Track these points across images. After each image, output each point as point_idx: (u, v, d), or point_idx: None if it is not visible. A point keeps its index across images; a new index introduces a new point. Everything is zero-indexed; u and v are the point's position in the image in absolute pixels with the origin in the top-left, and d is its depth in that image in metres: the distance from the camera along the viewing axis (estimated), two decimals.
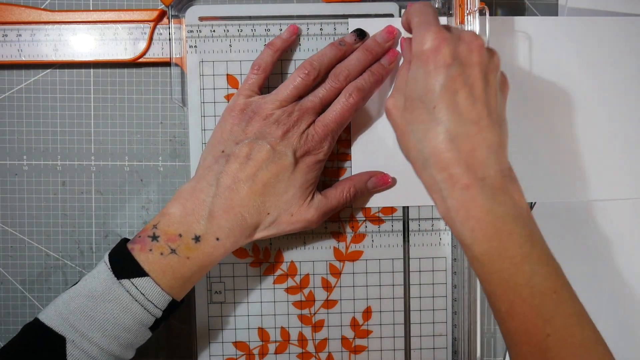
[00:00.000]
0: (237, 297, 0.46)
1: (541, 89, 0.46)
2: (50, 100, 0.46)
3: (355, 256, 0.46)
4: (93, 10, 0.46)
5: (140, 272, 0.37)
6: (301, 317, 0.47)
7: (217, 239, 0.39)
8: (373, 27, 0.44)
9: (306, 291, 0.46)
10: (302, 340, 0.47)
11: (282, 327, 0.46)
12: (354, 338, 0.47)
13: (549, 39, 0.45)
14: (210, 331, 0.46)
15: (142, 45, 0.45)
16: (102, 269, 0.38)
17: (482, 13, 0.41)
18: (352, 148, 0.45)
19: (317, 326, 0.47)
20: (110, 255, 0.38)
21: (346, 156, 0.46)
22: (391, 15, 0.45)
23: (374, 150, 0.45)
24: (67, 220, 0.47)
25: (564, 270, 0.36)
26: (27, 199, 0.47)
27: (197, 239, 0.38)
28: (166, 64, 0.46)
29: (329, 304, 0.47)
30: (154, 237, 0.38)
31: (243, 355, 0.46)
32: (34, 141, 0.47)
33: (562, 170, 0.46)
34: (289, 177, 0.40)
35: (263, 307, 0.46)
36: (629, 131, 0.46)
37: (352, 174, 0.45)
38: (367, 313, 0.47)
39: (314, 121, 0.41)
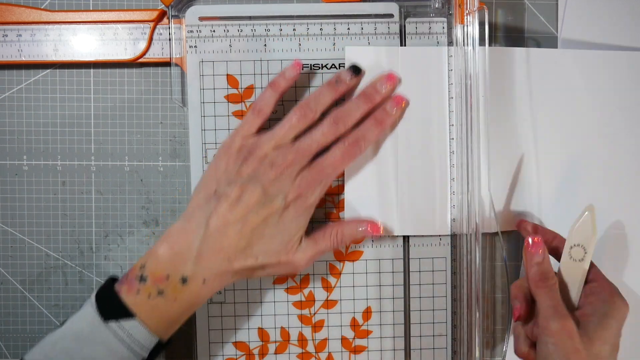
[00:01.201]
0: (237, 297, 0.46)
1: (539, 119, 0.46)
2: (50, 100, 0.46)
3: (355, 256, 0.46)
4: (93, 10, 0.46)
5: (127, 314, 0.37)
6: (301, 317, 0.47)
7: (204, 280, 0.39)
8: (368, 55, 0.44)
9: (306, 291, 0.46)
10: (302, 340, 0.47)
11: (282, 327, 0.46)
12: (354, 338, 0.47)
13: (548, 71, 0.45)
14: (210, 331, 0.46)
15: (142, 45, 0.45)
16: (89, 310, 0.37)
17: (481, 13, 0.41)
18: (345, 182, 0.45)
19: (317, 326, 0.47)
20: (97, 296, 0.38)
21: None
22: (391, 16, 0.45)
23: (367, 182, 0.45)
24: (67, 220, 0.47)
25: None
26: (27, 199, 0.47)
27: (184, 280, 0.38)
28: (166, 64, 0.46)
29: (329, 304, 0.47)
30: (142, 278, 0.38)
31: (243, 355, 0.46)
32: (34, 141, 0.47)
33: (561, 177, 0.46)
34: (277, 222, 0.40)
35: (263, 307, 0.46)
36: (627, 161, 0.46)
37: (345, 199, 0.45)
38: (367, 313, 0.47)
39: (308, 164, 0.41)
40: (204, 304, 0.40)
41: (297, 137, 0.41)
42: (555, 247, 0.43)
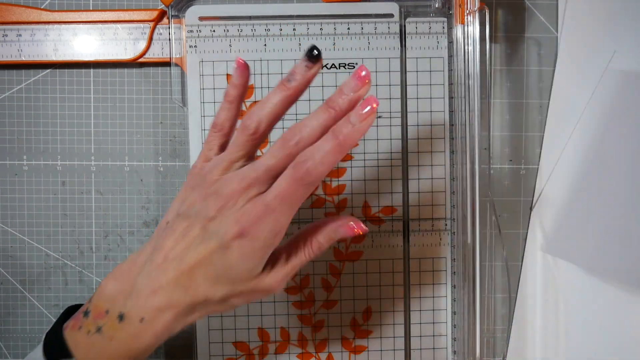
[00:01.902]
0: None
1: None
2: (50, 100, 0.46)
3: (355, 256, 0.46)
4: (93, 10, 0.46)
5: (65, 354, 0.34)
6: (301, 317, 0.46)
7: (142, 319, 0.34)
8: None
9: (306, 291, 0.46)
10: (302, 340, 0.47)
11: (282, 327, 0.46)
12: (354, 338, 0.47)
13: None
14: (210, 331, 0.46)
15: (142, 45, 0.45)
16: (39, 349, 0.35)
17: (482, 13, 0.41)
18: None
19: (317, 326, 0.47)
20: (47, 334, 0.36)
21: (348, 155, 0.46)
22: (391, 16, 0.45)
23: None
24: (67, 220, 0.47)
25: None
26: (27, 199, 0.47)
27: (121, 317, 0.34)
28: (166, 64, 0.46)
29: (329, 304, 0.47)
30: (86, 313, 0.35)
31: (243, 355, 0.46)
32: (34, 141, 0.47)
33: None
34: (222, 262, 0.33)
35: (263, 307, 0.46)
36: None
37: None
38: (367, 313, 0.47)
39: (257, 195, 0.33)
40: (149, 352, 0.35)
41: (250, 158, 0.35)
42: None
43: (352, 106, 0.33)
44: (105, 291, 0.35)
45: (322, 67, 0.45)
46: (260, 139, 0.35)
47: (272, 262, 0.35)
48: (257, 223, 0.33)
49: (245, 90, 0.37)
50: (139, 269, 0.35)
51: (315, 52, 0.34)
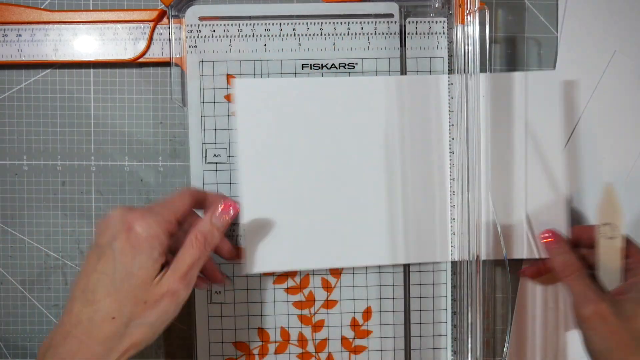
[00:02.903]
0: (237, 297, 0.46)
1: (538, 143, 0.45)
2: (50, 100, 0.46)
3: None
4: (93, 10, 0.46)
5: None
6: (301, 317, 0.46)
7: None
8: (375, 86, 0.44)
9: (306, 291, 0.46)
10: (302, 340, 0.47)
11: (282, 327, 0.46)
12: (354, 338, 0.47)
13: (546, 94, 0.45)
14: (210, 331, 0.46)
15: (142, 45, 0.45)
16: None
17: (482, 13, 0.41)
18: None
19: (317, 326, 0.47)
20: None
21: None
22: (391, 16, 0.45)
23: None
24: (67, 220, 0.47)
25: None
26: (27, 199, 0.47)
27: None
28: (166, 64, 0.46)
29: (329, 304, 0.47)
30: None
31: (243, 355, 0.46)
32: (34, 141, 0.47)
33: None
34: (114, 268, 0.36)
35: (263, 307, 0.46)
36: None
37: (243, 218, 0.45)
38: (367, 313, 0.47)
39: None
40: None
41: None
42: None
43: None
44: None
45: (322, 67, 0.45)
46: None
47: (168, 263, 0.37)
48: (140, 216, 0.36)
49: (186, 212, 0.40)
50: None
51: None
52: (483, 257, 0.43)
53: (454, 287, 0.46)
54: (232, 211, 0.39)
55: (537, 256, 0.45)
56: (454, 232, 0.46)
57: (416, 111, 0.45)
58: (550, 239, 0.43)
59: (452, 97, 0.45)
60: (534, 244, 0.45)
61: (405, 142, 0.45)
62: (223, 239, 0.41)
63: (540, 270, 0.45)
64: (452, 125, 0.45)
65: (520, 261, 0.47)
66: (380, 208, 0.45)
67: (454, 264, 0.46)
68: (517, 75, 0.45)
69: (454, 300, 0.47)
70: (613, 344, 0.37)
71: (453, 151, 0.45)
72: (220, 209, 0.39)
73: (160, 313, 0.36)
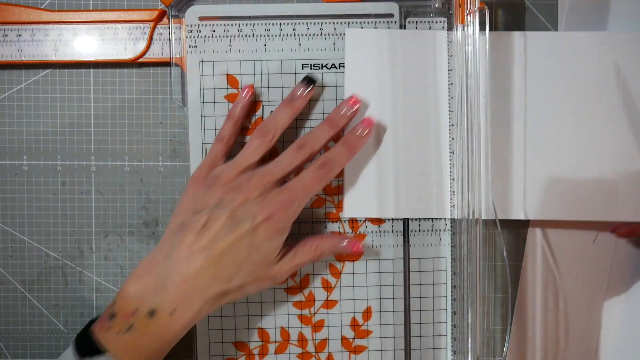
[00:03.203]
0: None
1: (538, 104, 0.45)
2: (50, 100, 0.46)
3: (355, 256, 0.46)
4: (93, 10, 0.46)
5: (99, 351, 0.37)
6: (301, 317, 0.47)
7: (173, 312, 0.38)
8: (369, 38, 0.44)
9: (306, 291, 0.46)
10: (302, 340, 0.47)
11: (282, 327, 0.46)
12: (354, 338, 0.47)
13: (546, 54, 0.45)
14: (210, 331, 0.46)
15: (142, 45, 0.45)
16: (69, 350, 0.38)
17: (482, 13, 0.41)
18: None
19: (317, 326, 0.47)
20: (76, 337, 0.39)
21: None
22: (391, 16, 0.45)
23: (367, 161, 0.45)
24: (67, 220, 0.47)
25: None
26: (27, 199, 0.47)
27: (151, 313, 0.38)
28: (166, 64, 0.46)
29: (329, 304, 0.47)
30: (112, 316, 0.38)
31: (243, 355, 0.46)
32: (34, 141, 0.47)
33: (560, 188, 0.46)
34: (249, 245, 0.39)
35: (263, 307, 0.46)
36: (625, 143, 0.46)
37: (345, 181, 0.45)
38: (367, 313, 0.47)
39: (274, 188, 0.40)
40: (177, 340, 0.40)
41: (262, 161, 0.42)
42: None
43: (346, 123, 0.44)
44: (129, 293, 0.38)
45: (322, 67, 0.45)
46: (271, 145, 0.42)
47: (282, 255, 0.41)
48: (284, 208, 0.40)
49: (249, 110, 0.44)
50: (160, 267, 0.39)
51: (311, 79, 0.44)
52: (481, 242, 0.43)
53: (453, 287, 0.46)
54: (354, 252, 0.45)
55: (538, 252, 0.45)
56: (454, 232, 0.45)
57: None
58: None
59: (452, 97, 0.45)
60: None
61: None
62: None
63: (634, 231, 0.46)
64: (452, 125, 0.45)
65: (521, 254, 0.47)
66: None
67: (454, 263, 0.46)
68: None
69: (453, 300, 0.47)
70: None
71: (453, 151, 0.45)
72: (349, 245, 0.44)
73: (256, 289, 0.41)
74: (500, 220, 0.44)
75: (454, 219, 0.45)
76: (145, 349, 0.38)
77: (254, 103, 0.45)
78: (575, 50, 0.45)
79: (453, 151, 0.45)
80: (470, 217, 0.43)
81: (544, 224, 0.47)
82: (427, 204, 0.45)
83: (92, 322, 0.40)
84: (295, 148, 0.41)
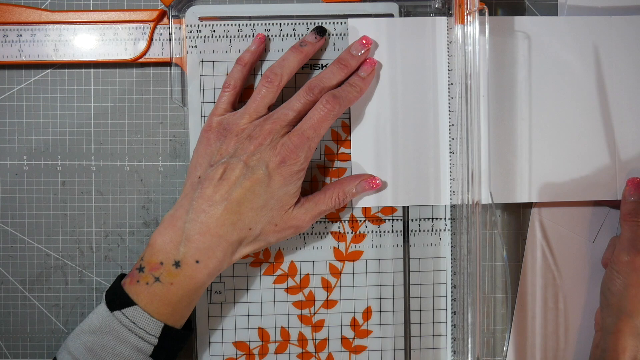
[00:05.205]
0: (237, 297, 0.46)
1: (540, 89, 0.46)
2: (50, 100, 0.46)
3: (355, 256, 0.46)
4: (93, 11, 0.46)
5: (129, 302, 0.39)
6: (301, 317, 0.47)
7: (197, 261, 0.39)
8: (370, 27, 0.44)
9: (306, 291, 0.46)
10: (302, 340, 0.47)
11: (282, 327, 0.46)
12: (354, 338, 0.47)
13: (549, 39, 0.45)
14: (210, 331, 0.46)
15: (142, 45, 0.45)
16: (101, 305, 0.40)
17: (481, 13, 0.41)
18: (352, 148, 0.45)
19: (317, 326, 0.47)
20: (107, 291, 0.41)
21: (347, 156, 0.46)
22: (391, 15, 0.45)
23: (372, 147, 0.45)
24: (67, 220, 0.47)
25: None
26: (27, 199, 0.47)
27: (177, 264, 0.39)
28: (166, 64, 0.46)
29: (329, 304, 0.47)
30: (140, 269, 0.40)
31: (243, 355, 0.46)
32: (34, 141, 0.47)
33: (564, 171, 0.46)
34: (265, 191, 0.40)
35: (263, 307, 0.46)
36: (629, 127, 0.46)
37: (352, 172, 0.45)
38: (367, 313, 0.47)
39: (286, 132, 0.41)
40: (204, 289, 0.41)
41: (271, 108, 0.42)
42: None
43: (358, 64, 0.43)
44: (156, 246, 0.40)
45: (322, 67, 0.45)
46: (279, 90, 0.42)
47: (303, 203, 0.42)
48: (296, 152, 0.40)
49: (258, 58, 0.44)
50: (182, 220, 0.40)
51: (322, 29, 0.44)
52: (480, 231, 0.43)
53: (453, 287, 0.46)
54: (374, 187, 0.45)
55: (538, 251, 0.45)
56: (454, 232, 0.46)
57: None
58: (633, 183, 0.44)
59: (452, 97, 0.45)
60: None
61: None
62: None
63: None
64: (452, 125, 0.45)
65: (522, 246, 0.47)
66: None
67: (453, 263, 0.46)
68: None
69: (453, 300, 0.47)
70: (632, 291, 0.42)
71: (453, 151, 0.45)
72: (366, 181, 0.44)
73: (279, 238, 0.42)
74: (500, 210, 0.44)
75: (453, 219, 0.45)
76: (172, 299, 0.39)
77: (250, 88, 0.45)
78: (577, 36, 0.45)
79: (453, 151, 0.45)
80: (469, 202, 0.43)
81: (545, 206, 0.47)
82: (426, 191, 0.46)
83: (120, 277, 0.41)
84: (306, 90, 0.41)
